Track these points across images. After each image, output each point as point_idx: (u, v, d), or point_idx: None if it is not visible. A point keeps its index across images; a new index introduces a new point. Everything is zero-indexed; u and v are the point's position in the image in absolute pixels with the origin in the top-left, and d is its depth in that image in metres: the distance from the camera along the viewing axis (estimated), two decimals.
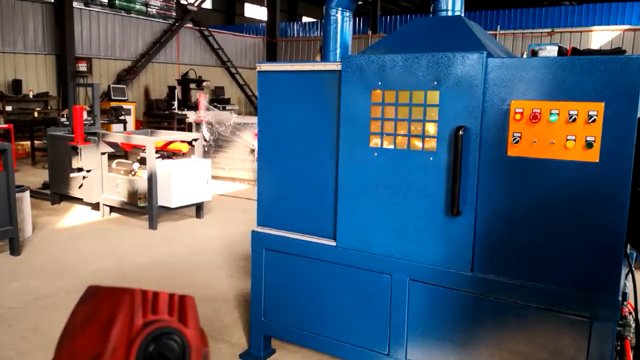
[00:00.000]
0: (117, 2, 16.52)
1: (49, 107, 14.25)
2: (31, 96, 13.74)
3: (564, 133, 2.35)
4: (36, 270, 4.95)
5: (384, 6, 25.69)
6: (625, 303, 2.60)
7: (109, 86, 14.64)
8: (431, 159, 2.67)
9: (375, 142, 2.81)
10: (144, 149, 6.64)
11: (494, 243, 2.60)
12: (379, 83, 2.76)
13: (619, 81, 2.23)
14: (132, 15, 17.01)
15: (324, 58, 4.13)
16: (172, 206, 6.52)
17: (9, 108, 13.04)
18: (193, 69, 16.31)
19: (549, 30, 18.59)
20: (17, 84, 13.64)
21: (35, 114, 12.68)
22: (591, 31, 18.20)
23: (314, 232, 3.13)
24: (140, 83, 17.36)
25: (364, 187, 2.88)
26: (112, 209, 7.09)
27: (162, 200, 6.48)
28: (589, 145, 2.30)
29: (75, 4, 15.04)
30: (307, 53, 22.61)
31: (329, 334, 3.12)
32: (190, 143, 7.10)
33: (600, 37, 17.98)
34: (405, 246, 2.81)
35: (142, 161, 6.84)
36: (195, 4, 19.01)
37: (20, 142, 12.07)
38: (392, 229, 2.84)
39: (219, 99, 16.51)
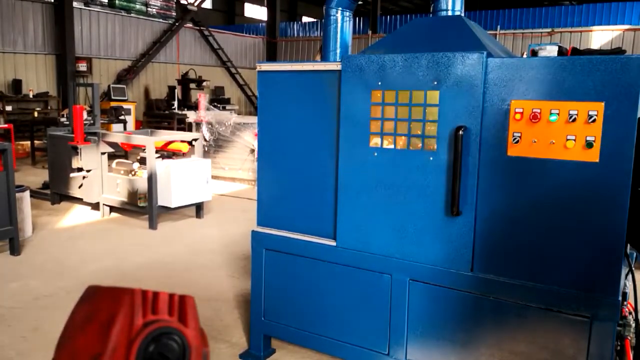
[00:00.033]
0: (117, 2, 16.52)
1: (49, 107, 14.26)
2: (31, 96, 13.75)
3: (564, 133, 2.35)
4: (36, 270, 4.95)
5: (384, 6, 25.69)
6: (625, 303, 2.60)
7: (109, 86, 14.64)
8: (431, 159, 2.67)
9: (375, 142, 2.81)
10: (144, 149, 6.65)
11: (494, 243, 2.60)
12: (379, 83, 2.76)
13: (619, 81, 2.23)
14: (132, 15, 17.02)
15: (324, 58, 4.13)
16: (172, 206, 6.52)
17: (9, 108, 13.04)
18: (193, 69, 16.32)
19: (549, 30, 18.59)
20: (17, 84, 13.65)
21: (35, 114, 12.67)
22: (591, 31, 18.20)
23: (314, 232, 3.13)
24: (140, 83, 17.36)
25: (364, 187, 2.88)
26: (112, 209, 7.09)
27: (162, 200, 6.48)
28: (589, 145, 2.30)
29: (75, 4, 15.04)
30: (307, 53, 22.61)
31: (329, 334, 3.12)
32: (190, 143, 7.11)
33: (600, 37, 17.98)
34: (405, 246, 2.81)
35: (142, 161, 6.84)
36: (195, 4, 19.01)
37: (20, 142, 12.07)
38: (392, 229, 2.84)
39: (219, 99, 16.51)
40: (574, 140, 2.33)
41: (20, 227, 5.43)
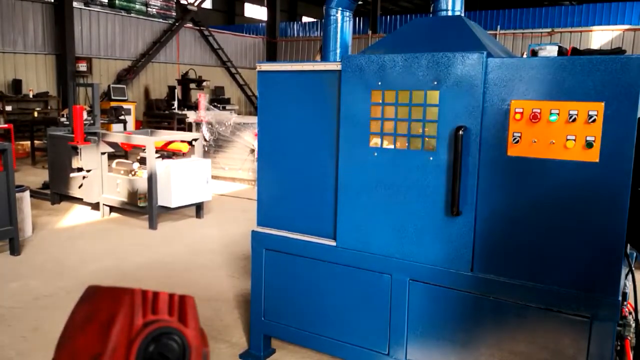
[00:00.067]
0: (117, 2, 16.53)
1: (49, 107, 14.26)
2: (31, 96, 13.75)
3: (564, 133, 2.35)
4: (36, 270, 4.95)
5: (384, 6, 25.69)
6: (625, 303, 2.60)
7: (109, 86, 14.64)
8: (431, 159, 2.67)
9: (375, 142, 2.81)
10: (144, 149, 6.65)
11: (494, 243, 2.60)
12: (379, 83, 2.76)
13: (619, 81, 2.23)
14: (132, 15, 17.02)
15: (324, 58, 4.13)
16: (172, 206, 6.52)
17: (9, 108, 13.04)
18: (193, 69, 16.32)
19: (549, 30, 18.59)
20: (17, 84, 13.65)
21: (35, 114, 12.68)
22: (591, 31, 18.20)
23: (314, 232, 3.13)
24: (140, 83, 17.36)
25: (364, 187, 2.88)
26: (112, 209, 7.09)
27: (162, 200, 6.48)
28: (589, 145, 2.30)
29: (75, 4, 15.04)
30: (307, 53, 22.61)
31: (329, 334, 3.12)
32: (190, 143, 7.11)
33: (600, 37, 17.98)
34: (405, 246, 2.81)
35: (142, 161, 6.84)
36: (195, 4, 19.01)
37: (20, 142, 12.07)
38: (392, 229, 2.84)
39: (219, 99, 16.51)
40: (574, 140, 2.33)
41: (20, 227, 5.43)
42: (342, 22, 4.02)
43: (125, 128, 12.29)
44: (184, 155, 7.08)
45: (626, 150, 2.26)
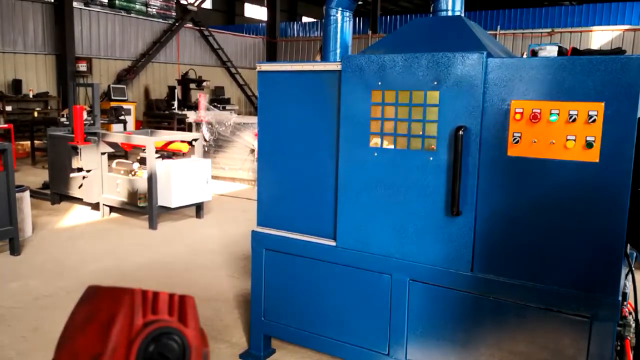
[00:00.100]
0: (117, 2, 16.52)
1: (49, 107, 14.26)
2: (31, 96, 13.75)
3: (564, 133, 2.35)
4: (36, 270, 4.95)
5: (384, 6, 25.70)
6: (625, 303, 2.60)
7: (109, 86, 14.64)
8: (431, 159, 2.67)
9: (375, 142, 2.81)
10: (144, 149, 6.65)
11: (494, 243, 2.60)
12: (379, 83, 2.76)
13: (619, 81, 2.23)
14: (132, 15, 17.01)
15: (324, 58, 4.13)
16: (172, 206, 6.52)
17: (9, 108, 13.04)
18: (193, 69, 16.32)
19: (549, 30, 18.59)
20: (17, 84, 13.65)
21: (35, 114, 12.68)
22: (591, 31, 18.20)
23: (313, 232, 3.13)
24: (140, 83, 17.36)
25: (364, 187, 2.88)
26: (112, 209, 7.09)
27: (162, 200, 6.48)
28: (589, 145, 2.30)
29: (75, 4, 15.04)
30: (307, 53, 22.61)
31: (329, 334, 3.12)
32: (190, 143, 7.11)
33: (600, 37, 17.98)
34: (405, 246, 2.81)
35: (142, 161, 6.84)
36: (195, 4, 19.01)
37: (20, 142, 12.07)
38: (392, 229, 2.84)
39: (219, 99, 16.51)
40: (574, 140, 2.33)
41: (20, 227, 5.43)
42: (342, 22, 4.02)
43: (125, 128, 12.29)
44: (184, 155, 7.08)
45: (626, 150, 2.26)
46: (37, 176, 9.37)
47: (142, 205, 6.56)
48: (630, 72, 2.21)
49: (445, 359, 2.78)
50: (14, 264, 5.11)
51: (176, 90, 15.19)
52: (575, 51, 3.02)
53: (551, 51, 2.86)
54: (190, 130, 11.37)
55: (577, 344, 2.43)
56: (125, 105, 13.67)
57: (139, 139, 6.91)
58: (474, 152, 2.56)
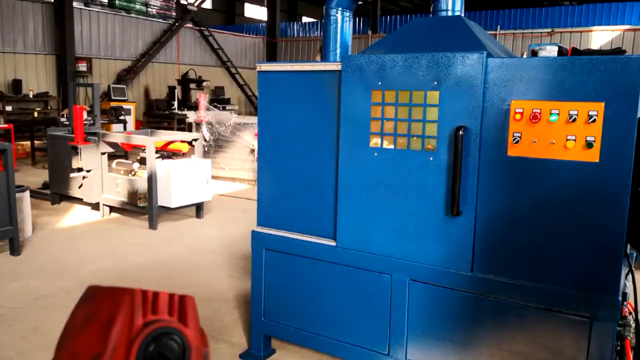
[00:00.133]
0: (117, 2, 16.52)
1: (49, 107, 14.25)
2: (31, 96, 13.74)
3: (564, 133, 2.35)
4: (36, 270, 4.95)
5: (384, 6, 25.70)
6: (625, 303, 2.60)
7: (109, 86, 14.65)
8: (431, 159, 2.67)
9: (375, 142, 2.81)
10: (144, 149, 6.65)
11: (494, 243, 2.60)
12: (379, 83, 2.76)
13: (619, 81, 2.23)
14: (132, 15, 17.01)
15: (324, 58, 4.13)
16: (172, 206, 6.52)
17: (9, 108, 13.04)
18: (193, 69, 16.32)
19: (549, 30, 18.59)
20: (17, 84, 13.65)
21: (35, 114, 12.68)
22: (591, 31, 18.20)
23: (313, 232, 3.13)
24: (140, 83, 17.36)
25: (364, 187, 2.88)
26: (112, 209, 7.09)
27: (162, 200, 6.48)
28: (589, 145, 2.30)
29: (75, 4, 15.04)
30: (307, 53, 22.61)
31: (329, 334, 3.12)
32: (190, 143, 7.11)
33: (600, 37, 17.98)
34: (405, 246, 2.81)
35: (142, 161, 6.84)
36: (195, 4, 19.01)
37: (20, 142, 12.07)
38: (392, 229, 2.84)
39: (219, 99, 16.51)
40: (574, 140, 2.33)
41: (20, 227, 5.43)
42: (342, 22, 4.02)
43: (125, 128, 12.29)
44: (184, 155, 7.08)
45: (626, 150, 2.26)
46: (37, 176, 9.37)
47: (142, 205, 6.56)
48: (630, 72, 2.21)
49: (445, 359, 2.78)
50: (14, 264, 5.11)
51: (176, 90, 15.19)
52: (575, 51, 3.02)
53: (551, 51, 2.86)
54: (190, 130, 11.37)
55: (577, 344, 2.43)
56: (125, 105, 13.67)
57: (139, 139, 6.91)
58: (474, 152, 2.56)
